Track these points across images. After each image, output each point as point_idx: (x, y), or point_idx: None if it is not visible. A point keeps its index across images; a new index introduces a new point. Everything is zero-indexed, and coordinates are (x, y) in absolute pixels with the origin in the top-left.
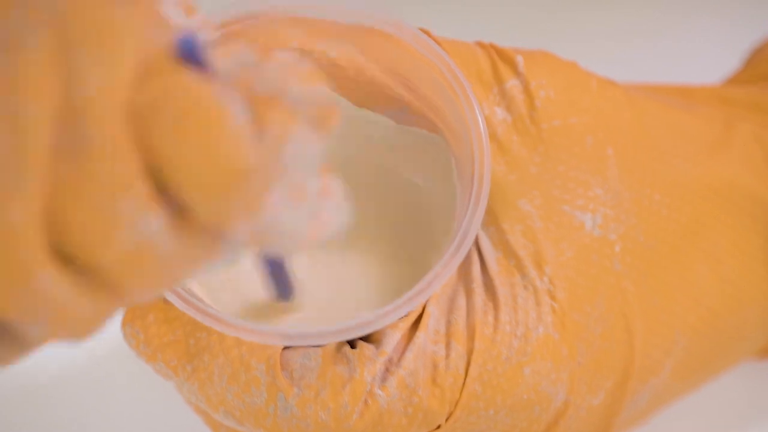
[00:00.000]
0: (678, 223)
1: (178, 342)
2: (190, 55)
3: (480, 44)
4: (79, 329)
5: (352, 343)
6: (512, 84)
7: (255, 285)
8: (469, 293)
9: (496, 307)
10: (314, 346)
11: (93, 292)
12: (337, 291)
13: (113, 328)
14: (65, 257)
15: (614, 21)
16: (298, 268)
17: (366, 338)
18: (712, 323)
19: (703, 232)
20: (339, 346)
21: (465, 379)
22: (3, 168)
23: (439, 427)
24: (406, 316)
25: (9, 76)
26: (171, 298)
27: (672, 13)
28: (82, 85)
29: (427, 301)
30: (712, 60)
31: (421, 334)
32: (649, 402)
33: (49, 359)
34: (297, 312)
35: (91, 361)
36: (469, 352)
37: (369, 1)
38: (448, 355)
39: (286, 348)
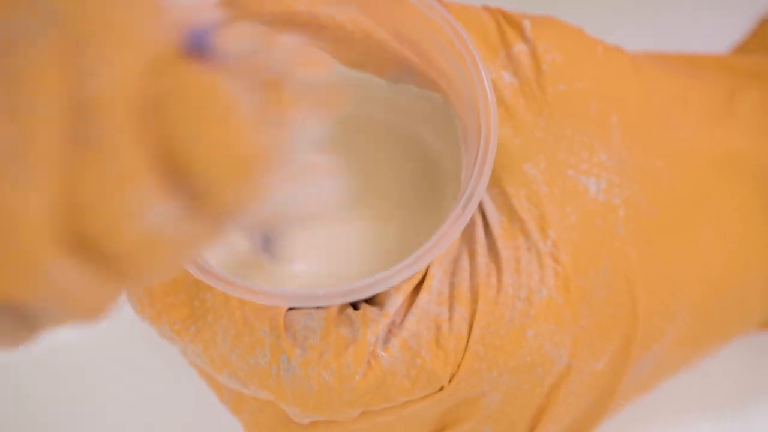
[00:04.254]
0: (681, 191)
1: (182, 304)
2: (198, 46)
3: (487, 8)
4: (89, 313)
5: (355, 305)
6: (519, 48)
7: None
8: (472, 255)
9: (499, 270)
10: (318, 308)
11: (103, 278)
12: (341, 252)
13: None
14: (76, 244)
15: None
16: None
17: (369, 300)
18: (714, 292)
19: (706, 201)
20: (342, 308)
21: (468, 340)
22: (13, 162)
23: (442, 388)
24: (409, 278)
25: (16, 76)
26: None
27: None
28: (89, 82)
29: (430, 263)
30: (719, 29)
31: (424, 296)
32: (652, 370)
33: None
34: (299, 276)
35: (90, 334)
36: (472, 314)
37: None
38: (451, 317)
39: (289, 309)
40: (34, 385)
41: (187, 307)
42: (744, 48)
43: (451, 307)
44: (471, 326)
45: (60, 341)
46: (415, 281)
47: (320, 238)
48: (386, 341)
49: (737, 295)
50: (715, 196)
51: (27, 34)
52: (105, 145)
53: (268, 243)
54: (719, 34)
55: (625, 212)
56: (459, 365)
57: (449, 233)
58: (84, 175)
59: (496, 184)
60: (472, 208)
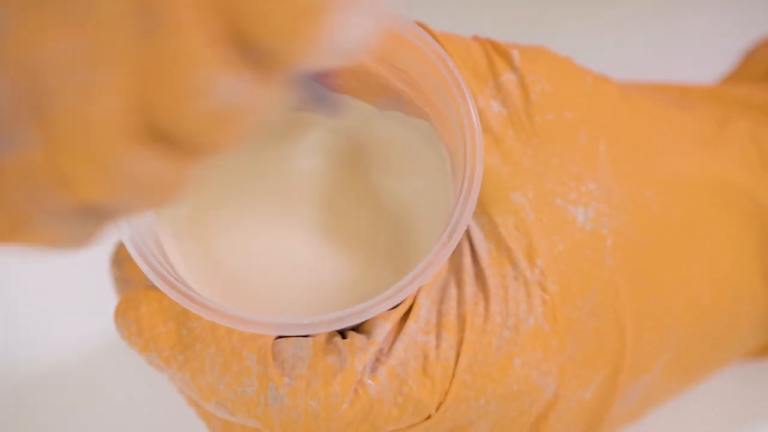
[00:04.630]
0: (670, 220)
1: (170, 332)
2: None
3: (476, 38)
4: (163, 198)
5: (342, 334)
6: (508, 78)
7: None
8: (459, 284)
9: (486, 298)
10: (305, 337)
11: (181, 159)
12: (326, 279)
13: (106, 324)
14: (149, 133)
15: (610, 18)
16: (279, 264)
17: (356, 329)
18: (704, 321)
19: (695, 230)
20: (330, 336)
21: (455, 369)
22: (87, 63)
23: (429, 417)
24: (396, 306)
25: None
26: (163, 288)
27: (668, 11)
28: None
29: (417, 292)
30: (708, 58)
31: (411, 324)
32: (640, 399)
33: (41, 355)
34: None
35: (83, 359)
36: (459, 343)
37: None
38: (438, 346)
39: (277, 338)
40: (33, 385)
41: (175, 336)
42: (733, 77)
43: (438, 336)
44: (458, 354)
45: (60, 343)
46: (403, 309)
47: (303, 265)
48: (374, 369)
49: (726, 323)
50: (704, 225)
51: None
52: (171, 29)
53: (323, 95)
54: (708, 64)
55: (613, 241)
56: (446, 393)
57: (435, 261)
58: (153, 63)
59: (484, 212)
60: (458, 236)
